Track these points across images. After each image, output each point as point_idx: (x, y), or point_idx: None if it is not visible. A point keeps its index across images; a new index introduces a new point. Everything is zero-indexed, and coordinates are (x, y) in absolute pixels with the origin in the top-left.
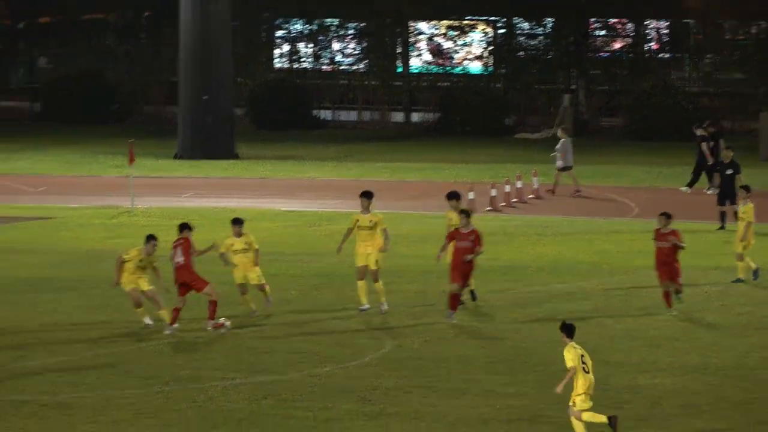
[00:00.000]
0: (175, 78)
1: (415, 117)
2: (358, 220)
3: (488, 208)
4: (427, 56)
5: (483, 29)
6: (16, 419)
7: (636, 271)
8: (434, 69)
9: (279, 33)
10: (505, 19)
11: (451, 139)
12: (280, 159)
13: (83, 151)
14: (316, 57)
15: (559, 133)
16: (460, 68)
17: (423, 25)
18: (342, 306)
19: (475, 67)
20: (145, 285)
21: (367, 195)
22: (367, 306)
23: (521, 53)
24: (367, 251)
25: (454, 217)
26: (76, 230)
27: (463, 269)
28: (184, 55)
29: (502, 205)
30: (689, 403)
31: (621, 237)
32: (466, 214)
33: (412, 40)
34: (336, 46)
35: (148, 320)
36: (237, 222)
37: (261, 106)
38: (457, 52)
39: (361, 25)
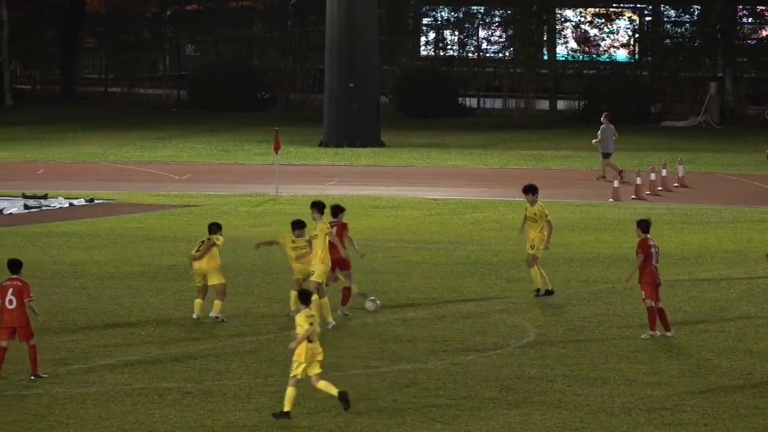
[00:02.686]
0: (321, 65)
1: (561, 105)
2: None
3: (633, 197)
4: (573, 44)
5: (629, 17)
6: (159, 407)
7: None
8: (580, 57)
9: (425, 20)
10: (651, 7)
11: (596, 127)
12: (425, 147)
13: (228, 138)
14: (462, 44)
15: (603, 118)
16: (606, 56)
17: (569, 13)
18: (485, 294)
19: (621, 54)
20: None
21: (531, 190)
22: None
23: (667, 41)
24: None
25: (528, 207)
26: (220, 218)
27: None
28: (330, 43)
29: (647, 194)
30: None
31: (767, 226)
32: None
33: (558, 27)
34: (482, 33)
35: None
36: (299, 225)
37: (406, 94)
38: (604, 40)
39: (507, 12)
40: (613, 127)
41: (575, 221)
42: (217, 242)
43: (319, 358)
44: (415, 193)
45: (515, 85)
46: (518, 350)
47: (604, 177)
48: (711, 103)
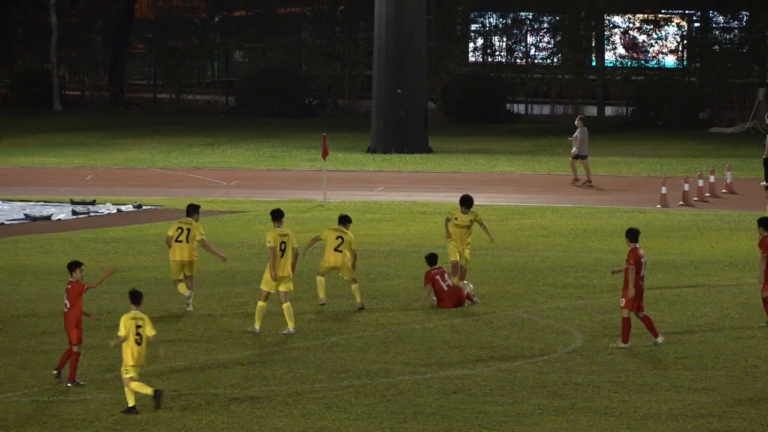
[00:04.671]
0: (370, 71)
1: (609, 111)
2: None
3: (680, 203)
4: (621, 50)
5: (678, 23)
6: (206, 413)
7: None
8: (628, 63)
9: (473, 26)
10: (699, 13)
11: (644, 133)
12: (473, 153)
13: (276, 144)
14: (510, 50)
15: (577, 122)
16: (654, 62)
17: (617, 19)
18: (532, 300)
19: (670, 60)
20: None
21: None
22: None
23: (716, 47)
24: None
25: (460, 217)
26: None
27: None
28: (378, 49)
29: (695, 200)
30: None
31: None
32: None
33: (606, 33)
34: (530, 39)
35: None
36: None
37: (454, 100)
38: (652, 46)
39: (555, 18)
40: (586, 129)
41: (623, 227)
42: (188, 226)
43: (142, 362)
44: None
45: (563, 92)
46: (565, 356)
47: (589, 181)
48: (759, 109)
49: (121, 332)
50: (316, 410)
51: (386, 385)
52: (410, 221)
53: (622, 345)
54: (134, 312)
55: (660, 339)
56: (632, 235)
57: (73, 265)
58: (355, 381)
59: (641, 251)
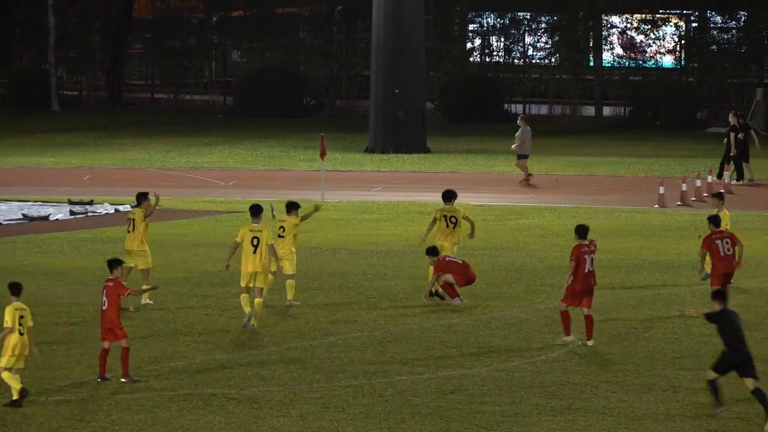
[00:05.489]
0: (367, 72)
1: (606, 111)
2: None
3: (678, 203)
4: (619, 50)
5: (675, 23)
6: (204, 413)
7: None
8: (626, 63)
9: (471, 27)
10: (697, 13)
11: (642, 134)
12: (471, 153)
13: (274, 145)
14: (508, 51)
15: (519, 121)
16: (652, 62)
17: (615, 19)
18: (530, 300)
19: (667, 61)
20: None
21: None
22: None
23: (713, 47)
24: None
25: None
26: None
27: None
28: (377, 49)
29: (693, 200)
30: None
31: None
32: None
33: (604, 33)
34: (528, 39)
35: None
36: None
37: (452, 100)
38: (650, 46)
39: (553, 18)
40: (529, 128)
41: (621, 227)
42: (132, 216)
43: (26, 352)
44: (460, 200)
45: (561, 92)
46: (563, 356)
47: (527, 180)
48: (757, 109)
49: (8, 323)
50: (313, 410)
51: (384, 385)
52: (408, 221)
53: (566, 338)
54: (17, 303)
55: (590, 342)
56: (580, 231)
57: (114, 263)
58: (353, 381)
59: (585, 248)
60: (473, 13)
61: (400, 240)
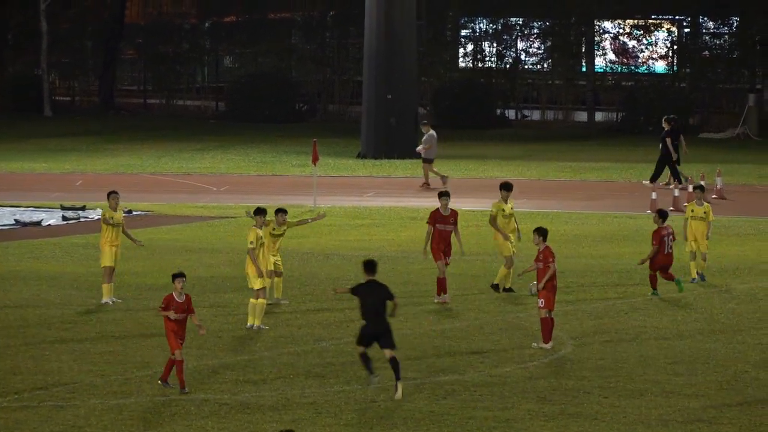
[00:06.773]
0: (360, 77)
1: (599, 116)
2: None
3: (671, 208)
4: (611, 55)
5: (668, 28)
6: (197, 418)
7: None
8: (618, 68)
9: (463, 32)
10: (689, 18)
11: (634, 139)
12: (463, 158)
13: (266, 150)
14: (500, 56)
15: (423, 127)
16: (644, 67)
17: (608, 24)
18: (523, 306)
19: (660, 66)
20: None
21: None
22: None
23: (706, 52)
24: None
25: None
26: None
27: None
28: (369, 55)
29: (685, 205)
30: None
31: None
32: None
33: (596, 39)
34: (520, 45)
35: None
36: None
37: (445, 105)
38: (642, 51)
39: (546, 23)
40: (434, 132)
41: (613, 233)
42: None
43: None
44: (453, 205)
45: (553, 97)
46: (555, 362)
47: (427, 184)
48: (749, 114)
49: None
50: (306, 416)
51: (377, 391)
52: (400, 227)
53: (544, 346)
54: None
55: (549, 345)
56: (544, 233)
57: (176, 277)
58: (346, 386)
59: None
60: (465, 19)
61: (393, 245)
